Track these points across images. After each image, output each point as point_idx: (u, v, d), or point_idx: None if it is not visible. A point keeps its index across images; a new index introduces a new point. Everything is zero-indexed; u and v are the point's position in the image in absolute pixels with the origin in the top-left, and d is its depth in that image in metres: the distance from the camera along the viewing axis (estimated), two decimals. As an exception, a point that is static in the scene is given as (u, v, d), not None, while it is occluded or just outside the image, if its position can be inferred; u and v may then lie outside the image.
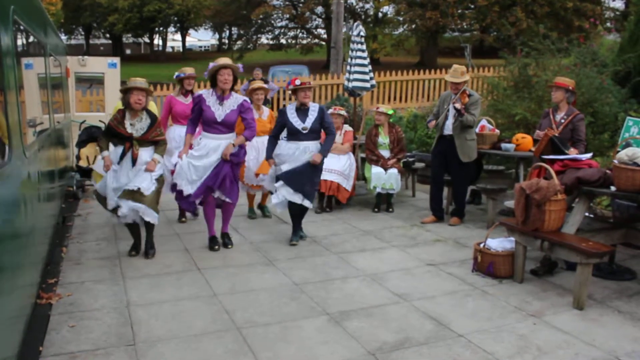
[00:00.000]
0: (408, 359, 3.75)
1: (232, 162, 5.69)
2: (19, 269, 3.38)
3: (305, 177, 5.98)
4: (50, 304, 4.51)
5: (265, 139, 6.79)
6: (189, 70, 6.82)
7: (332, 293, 4.87)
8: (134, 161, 5.39)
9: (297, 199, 6.02)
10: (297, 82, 6.02)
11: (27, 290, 3.74)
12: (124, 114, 5.41)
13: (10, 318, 3.09)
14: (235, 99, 5.68)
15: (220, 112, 5.59)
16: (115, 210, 5.46)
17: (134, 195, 5.32)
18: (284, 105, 6.18)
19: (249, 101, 5.79)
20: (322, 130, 6.19)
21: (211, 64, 5.59)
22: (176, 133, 6.58)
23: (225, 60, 5.64)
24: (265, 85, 7.09)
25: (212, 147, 5.61)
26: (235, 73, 5.66)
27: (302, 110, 6.04)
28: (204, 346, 3.87)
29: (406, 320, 4.33)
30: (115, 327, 4.15)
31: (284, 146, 6.07)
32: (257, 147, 6.97)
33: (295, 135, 6.01)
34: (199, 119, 5.70)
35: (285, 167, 6.00)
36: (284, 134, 6.21)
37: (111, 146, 5.55)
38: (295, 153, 5.99)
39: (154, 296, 4.73)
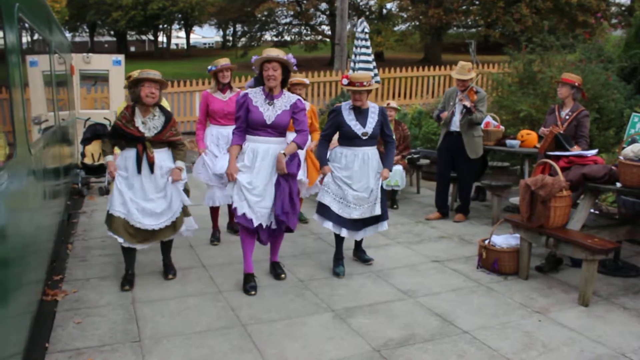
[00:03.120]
0: (413, 355, 3.75)
1: (289, 177, 4.79)
2: (25, 266, 3.39)
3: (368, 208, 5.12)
4: (56, 301, 4.52)
5: None
6: (222, 62, 6.01)
7: (337, 289, 4.87)
8: (151, 166, 4.66)
9: (359, 235, 5.34)
10: (344, 81, 5.12)
11: (33, 287, 3.75)
12: (133, 111, 4.69)
13: (17, 315, 3.10)
14: (288, 98, 4.79)
15: (269, 113, 4.68)
16: (136, 235, 4.73)
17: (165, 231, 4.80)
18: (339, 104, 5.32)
19: (303, 101, 4.90)
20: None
21: (254, 57, 4.81)
22: (214, 133, 5.99)
23: (270, 52, 4.74)
24: (305, 80, 6.50)
25: (261, 152, 4.70)
26: (289, 67, 4.76)
27: (361, 111, 5.11)
28: (209, 343, 3.88)
29: (411, 317, 4.33)
30: (121, 323, 4.16)
31: (339, 153, 5.17)
32: None
33: (351, 140, 5.09)
34: (246, 124, 4.75)
35: (342, 175, 5.09)
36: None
37: (119, 150, 4.87)
38: (353, 162, 5.07)
39: (159, 293, 4.74)
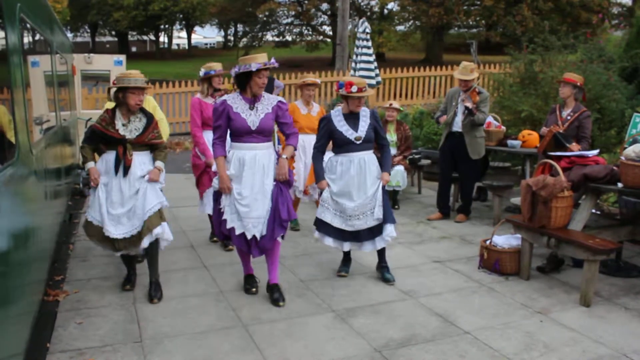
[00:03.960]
0: (414, 355, 3.75)
1: (286, 183, 4.62)
2: (26, 266, 3.39)
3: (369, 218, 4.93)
4: (57, 301, 4.53)
5: (313, 139, 6.08)
6: (218, 66, 5.83)
7: (338, 290, 4.87)
8: (126, 169, 4.51)
9: (356, 247, 5.13)
10: (354, 88, 4.84)
11: (34, 287, 3.75)
12: (114, 114, 4.58)
13: (18, 315, 3.10)
14: (269, 100, 4.56)
15: (253, 118, 4.44)
16: (111, 242, 4.54)
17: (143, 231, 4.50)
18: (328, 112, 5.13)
19: (285, 101, 4.68)
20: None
21: (244, 65, 4.38)
22: (209, 139, 5.42)
23: (264, 59, 4.41)
24: (317, 81, 6.48)
25: (248, 160, 4.45)
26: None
27: (351, 116, 4.96)
28: (210, 343, 3.88)
29: (412, 317, 4.33)
30: (122, 323, 4.16)
31: (334, 162, 5.02)
32: (303, 147, 6.31)
33: (345, 147, 4.93)
34: (226, 133, 4.56)
35: (337, 188, 4.95)
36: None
37: (102, 155, 4.71)
38: (349, 169, 4.91)
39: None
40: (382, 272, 5.16)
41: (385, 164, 5.06)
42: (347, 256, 5.30)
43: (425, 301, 4.65)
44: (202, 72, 5.82)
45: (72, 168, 7.97)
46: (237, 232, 4.48)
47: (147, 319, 4.24)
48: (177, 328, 4.10)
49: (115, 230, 4.48)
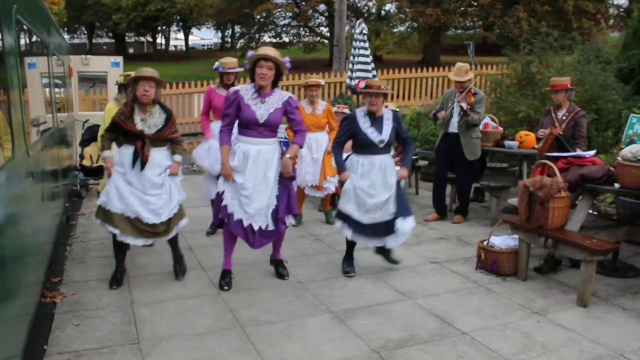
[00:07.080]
0: (412, 356, 3.75)
1: (290, 179, 4.82)
2: (23, 268, 3.39)
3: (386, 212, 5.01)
4: (54, 303, 4.51)
5: (319, 135, 6.59)
6: (229, 63, 6.07)
7: (336, 291, 4.87)
8: (142, 164, 4.59)
9: (379, 242, 5.18)
10: (362, 84, 4.99)
11: (31, 289, 3.75)
12: (132, 108, 4.63)
13: (15, 317, 3.10)
14: (280, 96, 4.69)
15: (261, 111, 4.58)
16: (136, 230, 4.66)
17: (160, 226, 4.72)
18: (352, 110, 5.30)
19: (295, 99, 4.82)
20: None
21: (250, 52, 4.72)
22: (215, 127, 5.97)
23: (266, 51, 4.61)
24: (320, 81, 6.66)
25: (253, 154, 4.61)
26: (280, 68, 4.64)
27: (375, 118, 4.98)
28: (208, 344, 3.87)
29: (410, 318, 4.33)
30: (120, 325, 4.15)
31: (354, 162, 5.04)
32: (309, 144, 6.51)
33: (368, 149, 4.98)
34: (234, 122, 4.70)
35: (358, 182, 4.97)
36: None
37: (115, 147, 4.79)
38: (371, 171, 4.97)
39: (158, 295, 4.73)
40: (387, 254, 5.43)
41: (406, 160, 5.19)
42: (350, 255, 5.28)
43: (423, 302, 4.65)
44: (214, 66, 6.17)
45: (70, 170, 7.96)
46: (236, 217, 4.65)
47: (145, 321, 4.23)
48: (174, 330, 4.09)
49: (144, 214, 4.63)
